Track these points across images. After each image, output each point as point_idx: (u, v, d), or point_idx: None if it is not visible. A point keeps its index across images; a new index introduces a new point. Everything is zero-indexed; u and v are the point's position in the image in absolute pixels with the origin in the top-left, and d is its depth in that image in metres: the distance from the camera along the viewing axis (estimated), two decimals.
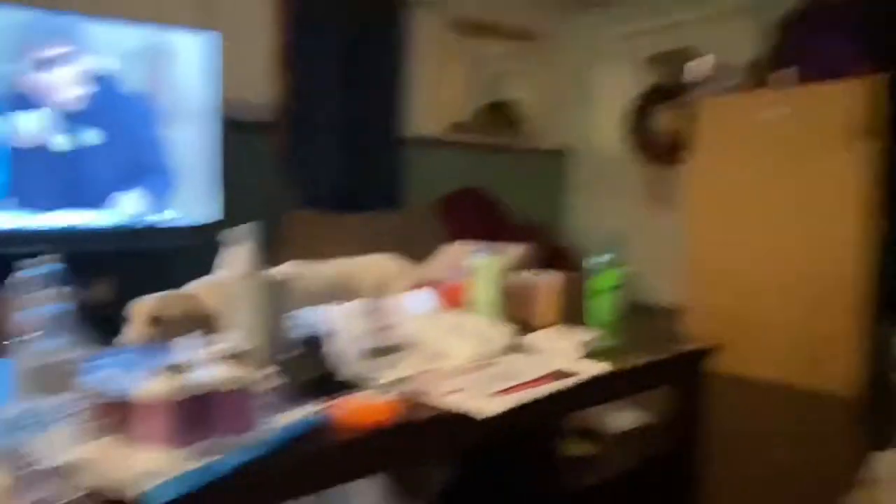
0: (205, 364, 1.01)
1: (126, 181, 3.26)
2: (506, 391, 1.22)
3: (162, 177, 3.37)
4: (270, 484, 1.05)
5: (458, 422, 1.17)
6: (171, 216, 3.40)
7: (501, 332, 1.57)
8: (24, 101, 2.95)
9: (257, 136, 3.94)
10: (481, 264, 1.76)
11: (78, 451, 0.91)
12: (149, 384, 0.93)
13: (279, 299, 1.32)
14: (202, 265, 1.93)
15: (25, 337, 0.86)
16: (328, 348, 1.35)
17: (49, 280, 1.19)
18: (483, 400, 1.19)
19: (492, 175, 4.96)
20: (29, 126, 2.96)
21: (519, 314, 1.78)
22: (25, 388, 0.90)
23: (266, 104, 3.98)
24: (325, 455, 1.08)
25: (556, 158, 5.55)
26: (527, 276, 1.93)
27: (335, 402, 1.17)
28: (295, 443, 1.07)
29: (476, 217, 4.44)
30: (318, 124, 4.17)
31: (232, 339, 1.16)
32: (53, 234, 3.03)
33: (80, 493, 0.87)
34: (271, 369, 1.20)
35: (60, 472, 0.89)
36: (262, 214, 1.77)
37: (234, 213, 3.54)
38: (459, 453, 1.20)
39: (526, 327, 1.71)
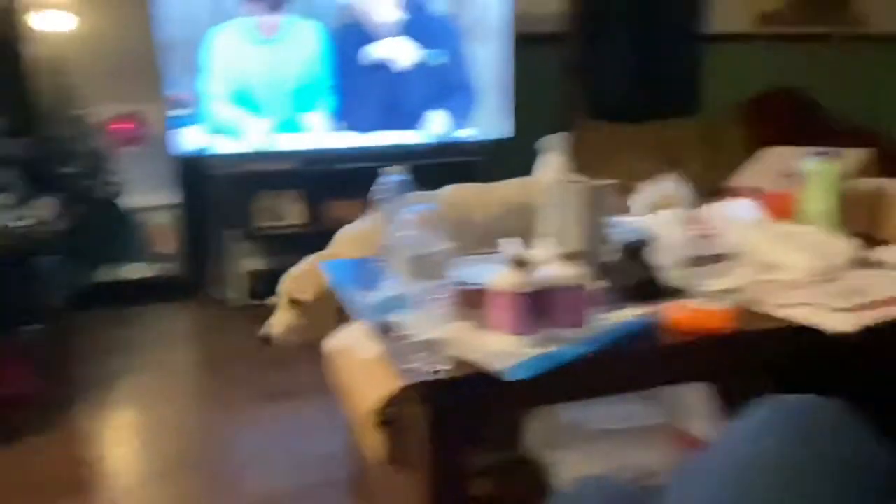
0: (544, 262, 1.08)
1: (435, 101, 3.53)
2: (861, 308, 1.10)
3: (466, 95, 3.58)
4: (602, 377, 1.10)
5: (800, 335, 1.09)
6: (470, 133, 3.63)
7: (843, 246, 1.41)
8: (357, 30, 3.35)
9: (546, 49, 3.93)
10: (816, 170, 1.57)
11: (441, 330, 1.05)
12: (501, 277, 1.03)
13: (600, 205, 1.34)
14: (498, 178, 2.06)
15: (401, 232, 1.01)
16: (649, 255, 1.34)
17: (403, 187, 1.36)
18: (832, 315, 1.09)
19: (809, 72, 4.32)
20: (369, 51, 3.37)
21: (861, 226, 1.57)
22: (401, 275, 1.06)
23: (555, 14, 3.93)
24: (655, 356, 1.10)
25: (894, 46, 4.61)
26: (872, 183, 1.68)
27: (660, 306, 1.17)
28: (626, 341, 1.10)
29: (790, 122, 3.94)
30: (609, 28, 4.00)
31: (560, 241, 1.22)
32: (374, 151, 3.46)
33: (446, 365, 1.01)
34: (597, 272, 1.24)
35: (428, 346, 1.03)
36: (551, 128, 1.78)
37: (525, 128, 3.65)
38: (797, 368, 1.13)
39: (870, 241, 1.50)
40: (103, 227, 3.19)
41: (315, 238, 4.04)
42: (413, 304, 1.09)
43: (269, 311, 1.74)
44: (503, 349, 1.03)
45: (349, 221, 2.04)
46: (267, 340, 1.76)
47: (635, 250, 1.35)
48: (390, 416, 1.24)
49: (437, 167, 3.14)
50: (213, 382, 2.65)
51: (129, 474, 2.01)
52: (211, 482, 1.85)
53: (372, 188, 1.37)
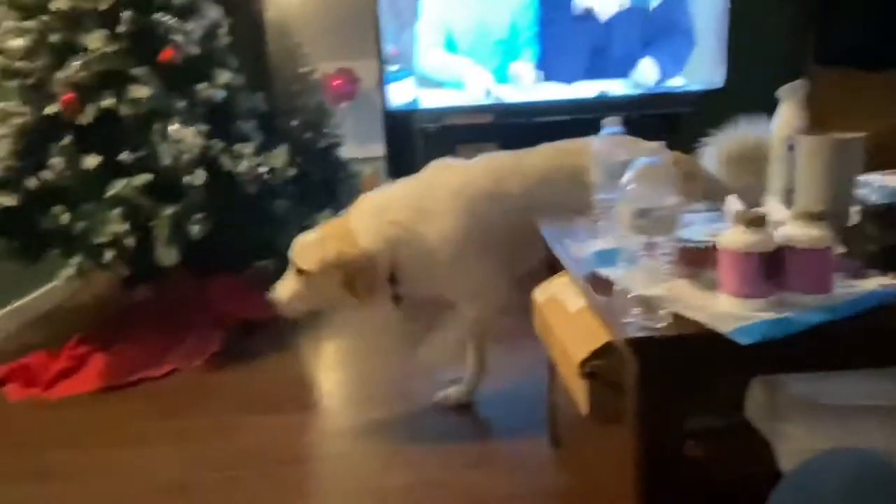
0: (780, 220, 1.00)
1: (645, 47, 3.36)
2: None
3: (679, 40, 3.36)
4: (840, 349, 1.01)
5: None
6: (680, 83, 3.41)
7: None
8: None
9: None
10: None
11: (661, 286, 1.02)
12: (732, 236, 0.97)
13: (848, 161, 1.20)
14: (708, 130, 1.90)
15: (627, 184, 0.99)
16: None
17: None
18: None
19: None
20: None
21: None
22: (620, 228, 1.04)
23: None
24: None
25: None
26: None
27: None
28: (868, 313, 0.99)
29: None
30: None
31: (800, 199, 1.12)
32: (576, 104, 3.38)
33: (664, 322, 0.99)
34: (841, 234, 1.12)
35: (645, 302, 1.01)
36: (770, 77, 1.60)
37: (740, 77, 3.34)
38: None
39: None
40: (324, 176, 3.49)
41: None
42: (631, 258, 1.07)
43: None
44: (729, 311, 0.97)
45: None
46: (273, 305, 1.77)
47: (884, 213, 1.20)
48: (597, 369, 1.24)
49: (642, 119, 3.00)
50: (401, 321, 2.82)
51: (341, 395, 2.23)
52: (413, 412, 1.98)
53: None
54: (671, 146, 1.75)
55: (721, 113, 1.90)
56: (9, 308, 2.75)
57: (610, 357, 1.18)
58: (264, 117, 2.86)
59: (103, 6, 2.22)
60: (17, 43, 2.25)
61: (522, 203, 1.76)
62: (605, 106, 3.28)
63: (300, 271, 1.72)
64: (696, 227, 1.13)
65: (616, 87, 3.43)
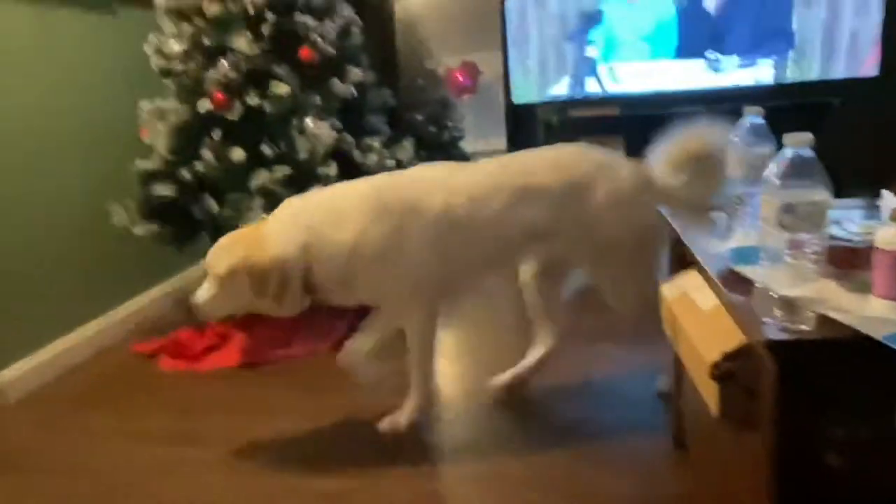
0: None
1: (778, 34, 3.16)
2: None
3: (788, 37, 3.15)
4: None
5: None
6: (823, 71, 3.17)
7: None
8: None
9: None
10: None
11: (806, 287, 0.96)
12: (889, 234, 0.90)
13: None
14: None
15: (769, 177, 0.94)
16: None
17: (760, 129, 1.26)
18: None
19: None
20: None
21: None
22: (762, 224, 1.00)
23: None
24: None
25: None
26: None
27: None
28: None
29: None
30: None
31: None
32: (706, 94, 3.23)
33: (809, 324, 0.93)
34: None
35: (788, 302, 0.96)
36: None
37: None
38: None
39: None
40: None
41: None
42: (774, 256, 1.02)
43: None
44: (883, 315, 0.91)
45: None
46: (194, 308, 1.73)
47: None
48: (730, 370, 1.20)
49: (786, 110, 2.83)
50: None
51: (457, 385, 2.27)
52: (526, 408, 1.99)
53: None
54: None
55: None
56: (162, 287, 3.03)
57: (745, 359, 1.14)
58: (392, 112, 2.95)
59: (250, 10, 2.38)
60: (175, 47, 2.46)
61: (445, 220, 1.69)
62: (742, 95, 3.11)
63: (214, 276, 1.71)
64: (847, 224, 1.06)
65: (757, 75, 3.24)
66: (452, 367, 2.42)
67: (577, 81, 3.38)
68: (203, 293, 1.72)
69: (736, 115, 1.36)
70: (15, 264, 2.28)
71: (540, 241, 1.76)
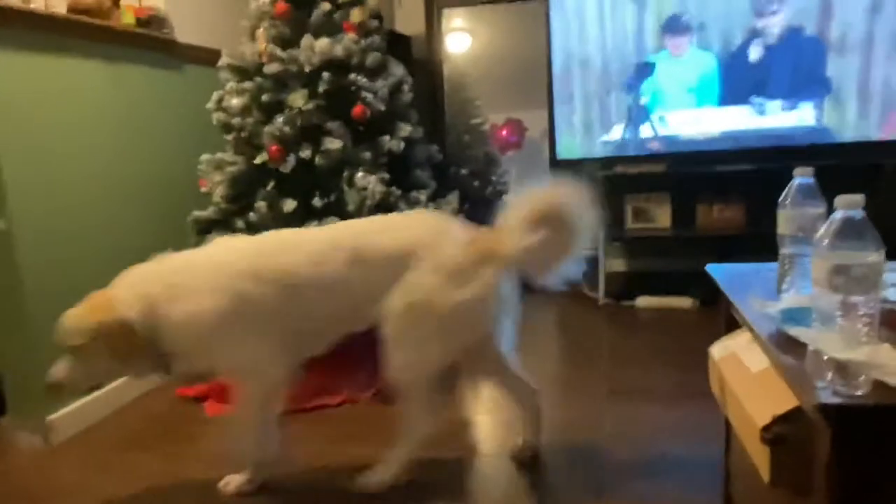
0: None
1: (802, 87, 3.20)
2: None
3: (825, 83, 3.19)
4: None
5: None
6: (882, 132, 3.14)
7: None
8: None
9: None
10: None
11: (860, 351, 0.95)
12: None
13: None
14: None
15: (821, 238, 0.94)
16: None
17: (811, 189, 1.26)
18: None
19: None
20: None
21: None
22: (813, 284, 0.98)
23: None
24: None
25: None
26: None
27: None
28: None
29: None
30: None
31: None
32: (751, 151, 3.23)
33: (864, 388, 0.91)
34: None
35: (841, 366, 0.94)
36: None
37: None
38: None
39: None
40: (488, 222, 3.61)
41: (682, 244, 3.95)
42: (825, 318, 1.00)
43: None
44: None
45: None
46: (57, 387, 1.69)
47: None
48: (782, 434, 1.17)
49: (837, 170, 2.81)
50: (571, 371, 2.79)
51: (498, 439, 2.24)
52: (569, 466, 1.95)
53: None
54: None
55: None
56: None
57: (797, 423, 1.11)
58: (438, 166, 3.02)
59: (307, 69, 2.50)
60: (235, 102, 2.59)
61: (291, 283, 1.69)
62: (792, 155, 3.10)
63: (70, 348, 1.70)
64: None
65: (800, 116, 3.25)
66: (492, 418, 2.40)
67: (632, 127, 3.42)
68: (61, 369, 1.70)
69: (785, 174, 1.36)
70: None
71: (377, 307, 1.73)
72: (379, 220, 1.87)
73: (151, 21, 2.78)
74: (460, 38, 4.18)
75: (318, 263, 1.70)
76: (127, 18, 2.70)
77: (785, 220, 1.24)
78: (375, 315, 1.73)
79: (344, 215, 2.45)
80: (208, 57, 2.96)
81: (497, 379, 1.97)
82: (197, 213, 2.59)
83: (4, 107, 2.15)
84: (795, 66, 3.21)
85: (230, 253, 1.77)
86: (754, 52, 3.25)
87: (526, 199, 1.69)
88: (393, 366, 1.76)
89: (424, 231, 1.74)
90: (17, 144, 2.19)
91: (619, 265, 3.92)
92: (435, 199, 2.76)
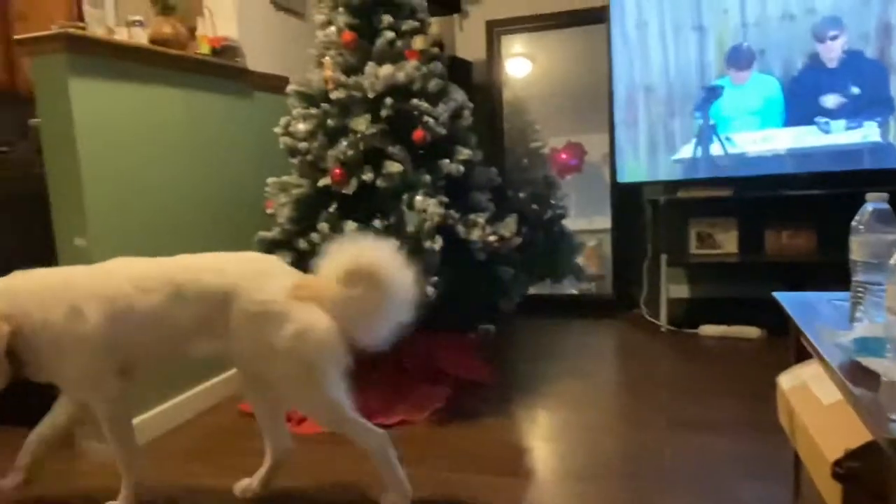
0: None
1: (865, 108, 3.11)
2: None
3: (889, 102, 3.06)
4: None
5: None
6: None
7: None
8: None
9: None
10: None
11: None
12: None
13: None
14: None
15: (895, 264, 0.90)
16: None
17: (885, 214, 1.21)
18: None
19: None
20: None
21: None
22: (892, 313, 0.95)
23: None
24: None
25: None
26: None
27: None
28: None
29: None
30: None
31: None
32: (819, 177, 3.12)
33: None
34: None
35: None
36: None
37: None
38: None
39: None
40: (548, 245, 3.60)
41: (748, 269, 3.84)
42: None
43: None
44: None
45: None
46: None
47: None
48: (854, 470, 1.12)
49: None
50: (630, 400, 2.73)
51: (553, 467, 2.21)
52: (625, 498, 1.90)
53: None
54: None
55: None
56: None
57: (870, 459, 1.06)
58: (496, 189, 3.04)
59: (371, 94, 2.57)
60: (301, 127, 2.68)
61: (115, 308, 1.73)
62: (862, 179, 2.98)
63: None
64: None
65: (865, 133, 3.14)
66: (548, 445, 2.37)
67: (702, 147, 3.37)
68: None
69: (857, 198, 1.31)
70: None
71: (206, 340, 1.78)
72: (209, 257, 1.92)
73: (225, 50, 2.92)
74: (520, 63, 4.22)
75: (146, 292, 1.77)
76: (203, 48, 2.84)
77: (858, 246, 1.20)
78: (207, 348, 1.80)
79: (403, 237, 2.49)
80: (277, 84, 3.08)
81: (269, 416, 2.03)
82: (262, 234, 2.68)
83: (89, 131, 2.29)
84: (857, 86, 3.13)
85: (83, 273, 1.85)
86: (815, 76, 3.18)
87: (341, 253, 1.72)
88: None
89: (247, 271, 1.81)
90: (98, 167, 2.32)
91: (681, 291, 3.83)
92: (493, 221, 2.77)
